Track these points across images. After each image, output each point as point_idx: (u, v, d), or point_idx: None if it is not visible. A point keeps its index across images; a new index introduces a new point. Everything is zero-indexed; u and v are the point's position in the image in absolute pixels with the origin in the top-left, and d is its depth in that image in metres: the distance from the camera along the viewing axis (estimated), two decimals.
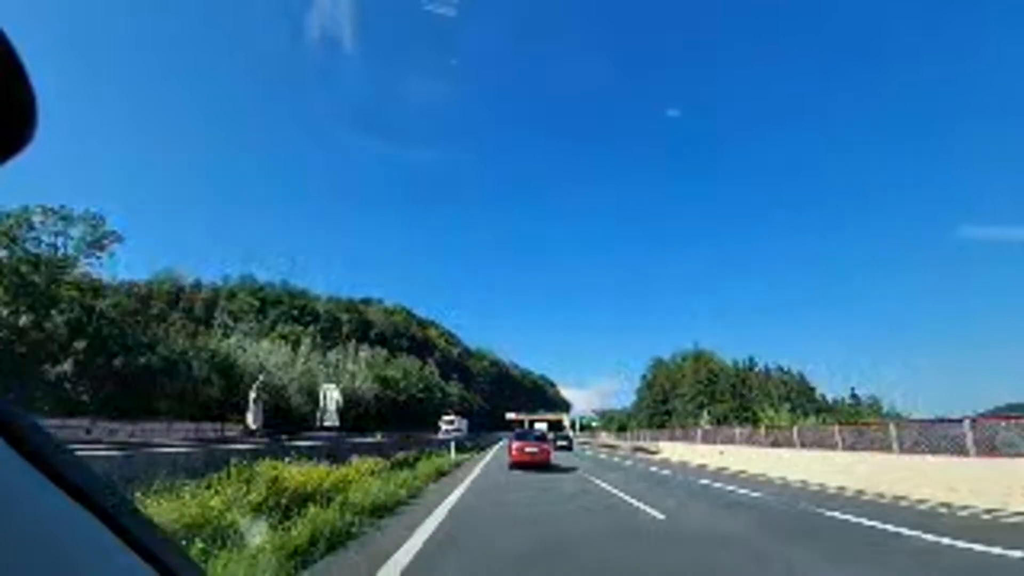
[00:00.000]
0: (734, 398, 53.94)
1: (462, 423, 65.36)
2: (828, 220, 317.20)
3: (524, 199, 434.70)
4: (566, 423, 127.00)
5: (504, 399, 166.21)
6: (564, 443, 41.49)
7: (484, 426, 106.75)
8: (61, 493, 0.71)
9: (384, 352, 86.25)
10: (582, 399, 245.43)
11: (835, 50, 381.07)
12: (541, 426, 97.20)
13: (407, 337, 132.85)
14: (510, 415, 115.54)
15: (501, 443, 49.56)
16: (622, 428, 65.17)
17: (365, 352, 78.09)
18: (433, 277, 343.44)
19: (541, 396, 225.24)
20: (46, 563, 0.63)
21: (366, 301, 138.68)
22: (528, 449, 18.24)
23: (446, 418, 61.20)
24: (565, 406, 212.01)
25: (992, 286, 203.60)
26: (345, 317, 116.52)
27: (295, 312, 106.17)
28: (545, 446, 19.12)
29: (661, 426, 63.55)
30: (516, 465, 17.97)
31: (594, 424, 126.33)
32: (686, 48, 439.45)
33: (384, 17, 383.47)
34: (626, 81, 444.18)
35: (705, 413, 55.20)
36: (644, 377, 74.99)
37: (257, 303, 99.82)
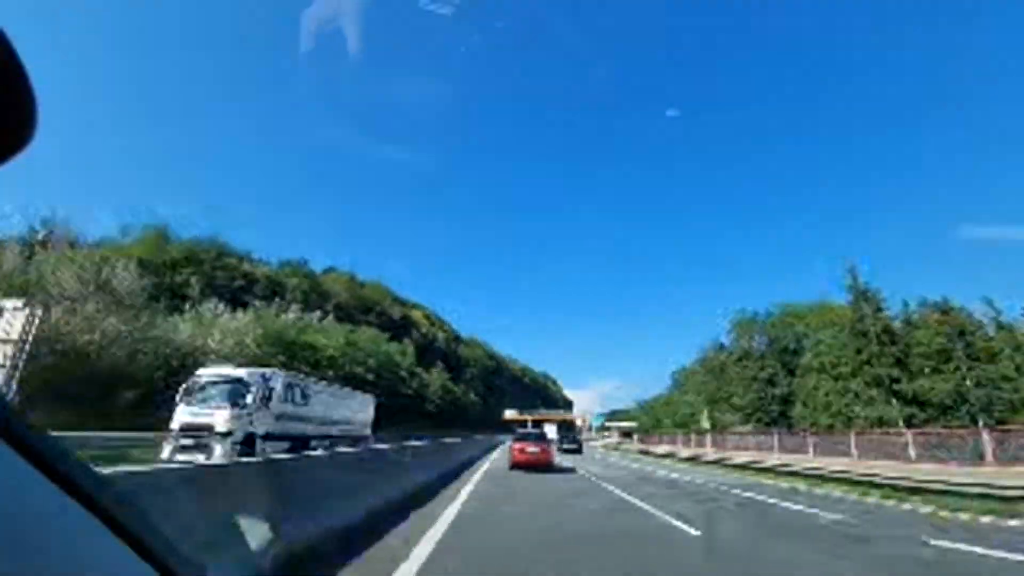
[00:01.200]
0: (954, 365, 27.34)
1: (322, 404, 19.37)
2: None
3: (523, 198, 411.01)
4: (579, 424, 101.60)
5: (500, 395, 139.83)
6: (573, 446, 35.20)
7: (478, 426, 79.86)
8: (61, 492, 0.69)
9: (328, 319, 59.67)
10: (583, 399, 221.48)
11: None
12: (550, 428, 72.78)
13: (379, 314, 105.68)
14: (509, 412, 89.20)
15: (502, 447, 33.34)
16: (711, 427, 38.73)
17: (292, 310, 51.24)
18: (428, 275, 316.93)
19: (543, 394, 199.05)
20: (46, 562, 0.62)
21: (330, 270, 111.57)
22: (530, 449, 17.84)
23: (206, 372, 15.58)
24: (568, 405, 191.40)
25: None
26: (294, 282, 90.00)
27: (219, 272, 79.84)
28: (546, 447, 18.50)
29: (771, 423, 37.26)
30: (517, 466, 17.40)
31: (609, 426, 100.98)
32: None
33: (383, 17, 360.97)
34: (625, 72, 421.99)
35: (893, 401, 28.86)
36: (720, 347, 48.09)
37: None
